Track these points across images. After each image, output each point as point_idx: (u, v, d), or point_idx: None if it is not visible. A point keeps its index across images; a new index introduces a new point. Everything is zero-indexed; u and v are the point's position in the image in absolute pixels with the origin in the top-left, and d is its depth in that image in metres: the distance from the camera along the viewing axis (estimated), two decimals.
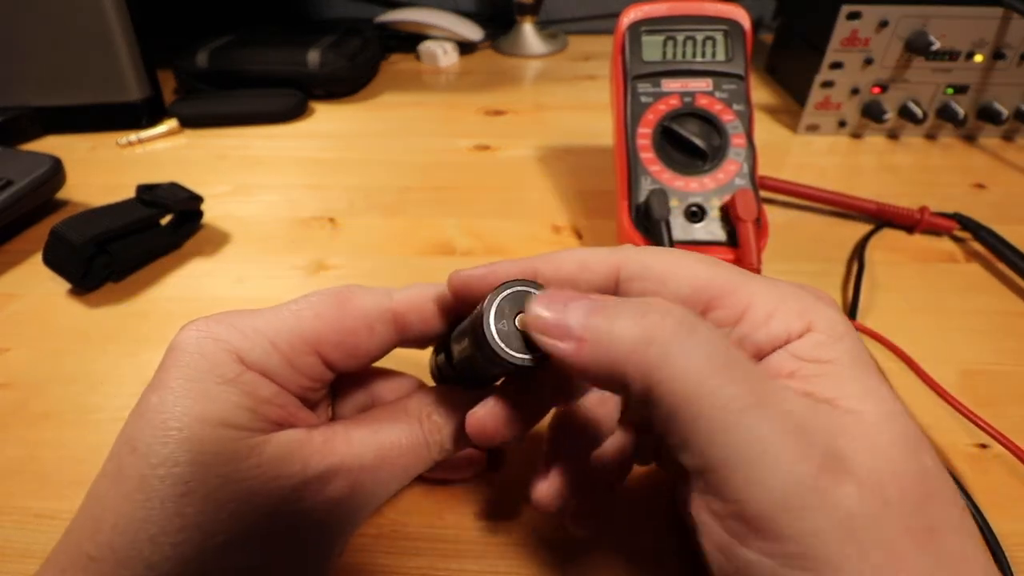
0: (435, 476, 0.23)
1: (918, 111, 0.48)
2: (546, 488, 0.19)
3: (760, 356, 0.16)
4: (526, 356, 0.16)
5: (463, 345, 0.18)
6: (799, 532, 0.12)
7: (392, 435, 0.19)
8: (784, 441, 0.13)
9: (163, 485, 0.15)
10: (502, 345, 0.16)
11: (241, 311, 0.18)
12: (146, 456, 0.15)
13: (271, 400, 0.17)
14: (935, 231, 0.39)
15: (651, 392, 0.13)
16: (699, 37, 0.35)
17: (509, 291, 0.16)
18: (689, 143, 0.34)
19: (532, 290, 0.16)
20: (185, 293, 0.35)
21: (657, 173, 0.33)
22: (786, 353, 0.16)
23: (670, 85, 0.35)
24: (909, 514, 0.13)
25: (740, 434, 0.13)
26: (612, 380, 0.14)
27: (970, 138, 0.51)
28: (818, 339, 0.15)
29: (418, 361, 0.24)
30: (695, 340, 0.14)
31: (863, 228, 0.39)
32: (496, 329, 0.16)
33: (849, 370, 0.15)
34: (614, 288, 0.18)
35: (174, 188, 0.38)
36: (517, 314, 0.16)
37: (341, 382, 0.22)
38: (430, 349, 0.23)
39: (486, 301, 0.16)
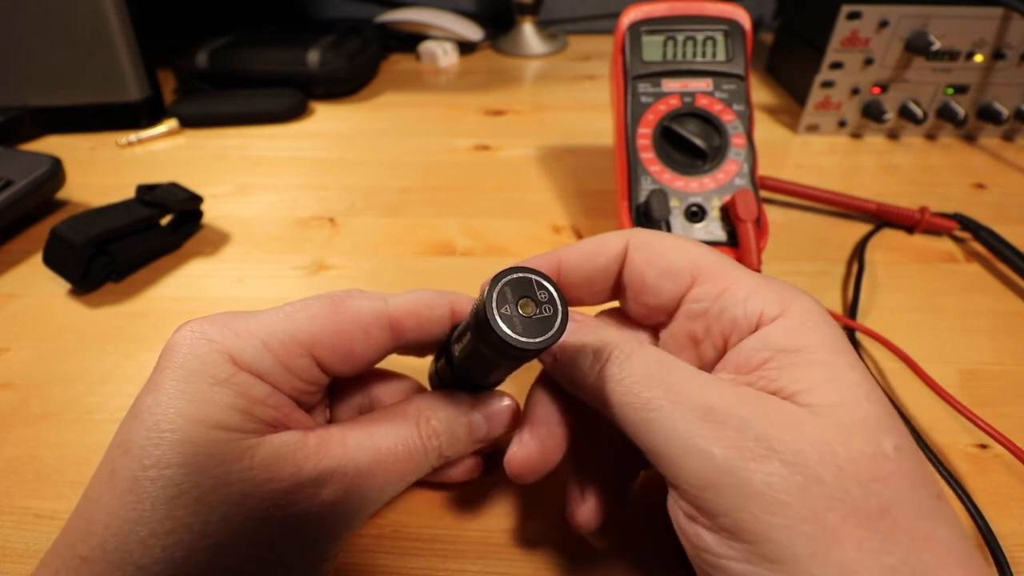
0: (433, 479, 0.23)
1: (918, 111, 0.48)
2: (587, 510, 0.19)
3: (737, 334, 0.17)
4: (531, 340, 0.15)
5: (464, 342, 0.18)
6: (725, 507, 0.14)
7: (389, 440, 0.19)
8: (699, 428, 0.15)
9: (155, 487, 0.15)
10: (506, 329, 0.15)
11: (236, 312, 0.18)
12: (139, 458, 0.15)
13: (264, 401, 0.17)
14: (935, 231, 0.39)
15: (602, 405, 0.17)
16: (699, 37, 0.35)
17: (509, 277, 0.16)
18: (689, 143, 0.34)
19: (531, 275, 0.16)
20: (185, 293, 0.35)
21: (657, 173, 0.33)
22: (759, 341, 0.16)
23: (670, 85, 0.35)
24: (849, 492, 0.13)
25: (661, 427, 0.15)
26: (573, 390, 0.18)
27: (970, 138, 0.51)
28: (791, 324, 0.16)
29: (415, 365, 0.23)
30: (632, 361, 0.16)
31: (863, 228, 0.39)
32: (499, 314, 0.16)
33: (818, 358, 0.16)
34: (624, 257, 0.20)
35: (174, 188, 0.38)
36: (520, 299, 0.16)
37: (339, 384, 0.22)
38: (430, 358, 0.23)
39: (487, 288, 0.16)
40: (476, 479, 0.24)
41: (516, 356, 0.16)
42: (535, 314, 0.16)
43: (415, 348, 0.21)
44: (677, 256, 0.19)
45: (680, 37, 0.35)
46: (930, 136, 0.51)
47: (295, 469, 0.16)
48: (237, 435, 0.16)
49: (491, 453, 0.25)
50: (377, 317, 0.19)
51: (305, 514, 0.16)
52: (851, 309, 0.33)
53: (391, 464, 0.18)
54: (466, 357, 0.18)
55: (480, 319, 0.16)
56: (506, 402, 0.21)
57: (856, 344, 0.31)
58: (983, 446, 0.26)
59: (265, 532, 0.16)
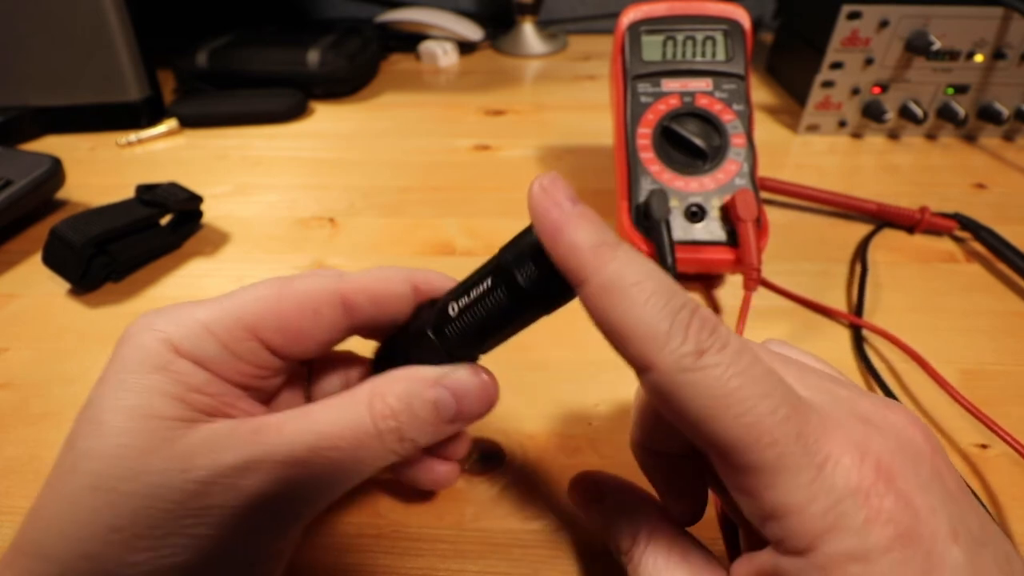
0: (403, 479, 0.22)
1: (918, 111, 0.48)
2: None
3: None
4: None
5: (482, 289, 0.17)
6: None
7: (332, 425, 0.17)
8: None
9: (77, 478, 0.15)
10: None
11: (189, 302, 0.18)
12: (73, 449, 0.15)
13: (202, 389, 0.17)
14: (935, 231, 0.39)
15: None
16: (699, 37, 0.35)
17: None
18: (689, 143, 0.34)
19: None
20: (185, 293, 0.35)
21: (657, 173, 0.33)
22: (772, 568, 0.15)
23: (670, 85, 0.35)
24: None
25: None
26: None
27: (970, 138, 0.51)
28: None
29: None
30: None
31: (864, 228, 0.39)
32: None
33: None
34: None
35: (174, 188, 0.38)
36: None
37: (318, 371, 0.21)
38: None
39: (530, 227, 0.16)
40: (478, 477, 0.24)
41: (564, 290, 0.15)
42: None
43: (375, 329, 0.20)
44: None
45: (680, 37, 0.35)
46: (930, 136, 0.51)
47: (213, 459, 0.15)
48: (168, 423, 0.15)
49: (487, 453, 0.25)
50: (327, 295, 0.18)
51: (225, 507, 0.15)
52: (856, 309, 0.33)
53: (331, 452, 0.16)
54: (475, 313, 0.17)
55: (522, 250, 0.16)
56: (474, 371, 0.18)
57: (863, 341, 0.31)
58: (984, 445, 0.26)
59: (178, 526, 0.15)
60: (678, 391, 0.13)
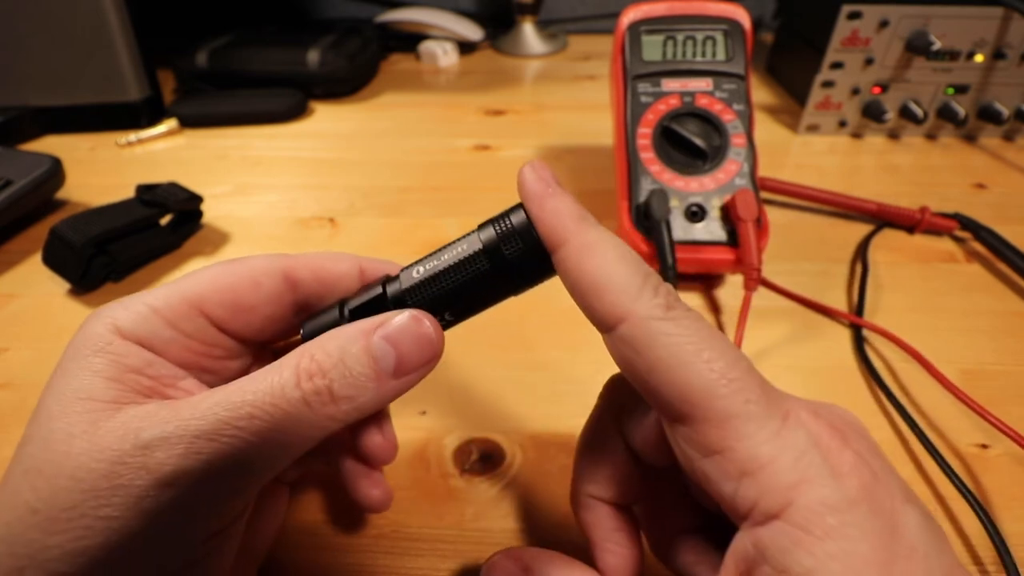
0: (344, 483, 0.20)
1: (918, 111, 0.48)
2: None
3: (723, 506, 0.15)
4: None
5: (458, 257, 0.17)
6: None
7: (247, 394, 0.15)
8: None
9: (15, 463, 0.15)
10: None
11: (145, 290, 0.18)
12: (22, 438, 0.16)
13: (142, 370, 0.16)
14: (935, 231, 0.39)
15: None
16: (699, 37, 0.35)
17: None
18: (689, 143, 0.34)
19: None
20: None
21: (657, 173, 0.33)
22: (753, 546, 0.14)
23: (670, 85, 0.35)
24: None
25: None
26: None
27: (970, 138, 0.51)
28: (794, 534, 0.13)
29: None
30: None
31: (864, 228, 0.39)
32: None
33: None
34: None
35: (174, 188, 0.38)
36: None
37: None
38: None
39: (516, 206, 0.17)
40: (477, 479, 0.24)
41: (543, 266, 0.16)
42: None
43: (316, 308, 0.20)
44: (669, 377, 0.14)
45: (680, 37, 0.35)
46: (930, 136, 0.51)
47: (125, 439, 0.15)
48: (100, 405, 0.15)
49: (487, 453, 0.25)
50: (268, 267, 0.18)
51: (135, 486, 0.14)
52: (857, 309, 0.33)
53: (248, 421, 0.15)
54: (444, 280, 0.17)
55: (520, 218, 0.17)
56: (413, 318, 0.17)
57: (863, 341, 0.31)
58: (984, 445, 0.26)
59: (89, 508, 0.14)
60: (652, 338, 0.14)
